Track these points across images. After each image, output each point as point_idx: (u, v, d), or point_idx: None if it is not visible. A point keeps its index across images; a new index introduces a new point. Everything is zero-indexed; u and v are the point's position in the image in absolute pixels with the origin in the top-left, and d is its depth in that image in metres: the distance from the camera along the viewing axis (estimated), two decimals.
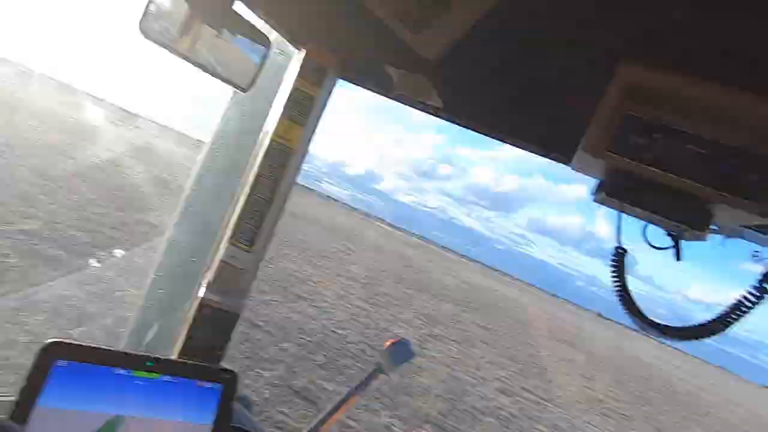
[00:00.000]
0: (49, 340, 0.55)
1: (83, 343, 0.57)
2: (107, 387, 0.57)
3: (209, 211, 0.93)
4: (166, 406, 0.59)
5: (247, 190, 0.78)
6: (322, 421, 0.85)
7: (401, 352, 0.92)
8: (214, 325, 0.75)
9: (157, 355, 0.63)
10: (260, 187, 0.78)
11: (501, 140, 0.72)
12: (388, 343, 0.91)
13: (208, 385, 0.62)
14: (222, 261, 0.77)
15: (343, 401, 0.86)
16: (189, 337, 0.75)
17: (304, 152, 0.81)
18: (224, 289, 0.77)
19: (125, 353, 0.60)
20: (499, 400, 5.29)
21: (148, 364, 0.60)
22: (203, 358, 0.72)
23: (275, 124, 0.78)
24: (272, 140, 0.78)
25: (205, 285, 0.77)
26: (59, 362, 0.55)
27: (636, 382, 11.58)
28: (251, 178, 0.78)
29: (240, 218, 0.78)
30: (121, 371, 0.58)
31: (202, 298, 0.75)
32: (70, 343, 0.56)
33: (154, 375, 0.60)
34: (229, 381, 0.63)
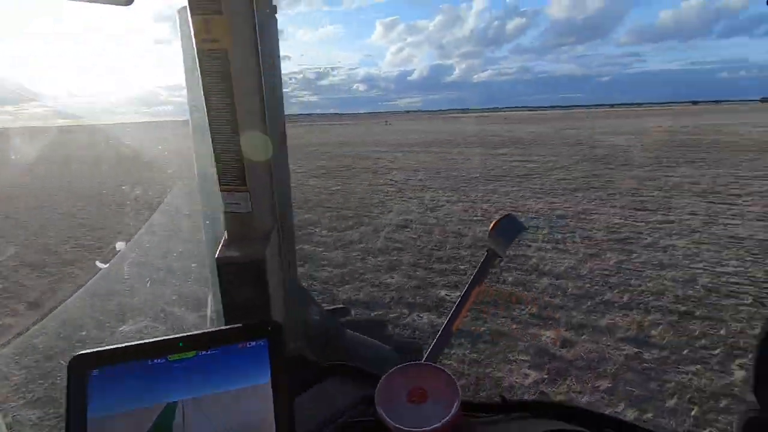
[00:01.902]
0: (72, 356, 0.56)
1: (105, 348, 0.57)
2: (148, 380, 0.57)
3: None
4: (217, 379, 0.58)
5: (206, 125, 0.68)
6: (451, 322, 0.82)
7: (510, 228, 0.86)
8: (243, 281, 0.70)
9: (187, 333, 0.60)
10: (217, 116, 0.65)
11: None
12: (493, 224, 0.86)
13: (253, 343, 0.59)
14: (224, 212, 0.72)
15: (466, 298, 0.83)
16: (226, 301, 0.71)
17: (253, 48, 0.64)
18: (239, 241, 0.71)
19: (152, 342, 0.59)
20: None
21: (180, 345, 0.58)
22: (249, 317, 0.69)
23: (191, 25, 0.62)
24: (199, 48, 0.62)
25: (221, 243, 0.72)
26: (92, 372, 0.55)
27: None
28: (204, 111, 0.66)
29: (216, 161, 0.69)
30: (158, 361, 0.57)
31: (217, 258, 0.69)
32: (93, 352, 0.57)
33: (190, 354, 0.58)
34: (272, 333, 0.60)
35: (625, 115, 57.48)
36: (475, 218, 7.28)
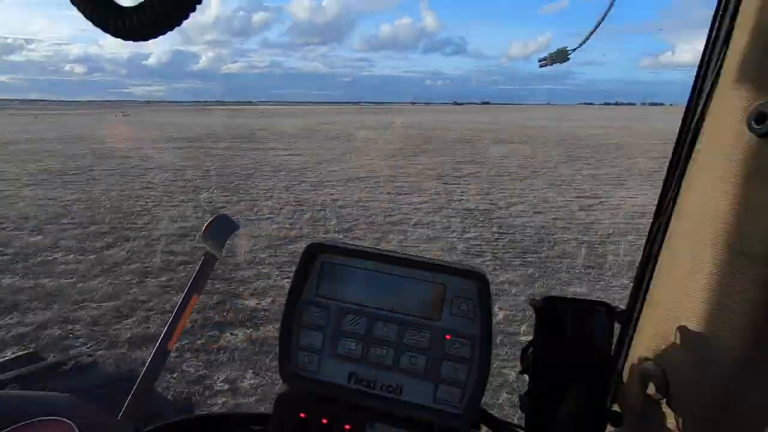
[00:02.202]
0: None
1: None
2: None
3: None
4: None
5: None
6: (169, 335, 0.75)
7: (222, 228, 0.86)
8: None
9: None
10: None
11: None
12: (205, 226, 0.83)
13: None
14: None
15: (184, 307, 0.77)
16: None
17: None
18: None
19: None
20: None
21: None
22: None
23: None
24: None
25: None
26: None
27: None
28: None
29: None
30: None
31: None
32: None
33: None
34: None
35: (366, 112, 66.41)
36: (263, 217, 7.02)
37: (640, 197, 8.45)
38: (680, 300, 0.46)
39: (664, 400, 0.48)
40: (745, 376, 0.43)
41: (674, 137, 0.51)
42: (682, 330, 0.46)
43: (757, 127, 0.37)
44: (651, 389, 0.49)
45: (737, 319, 0.42)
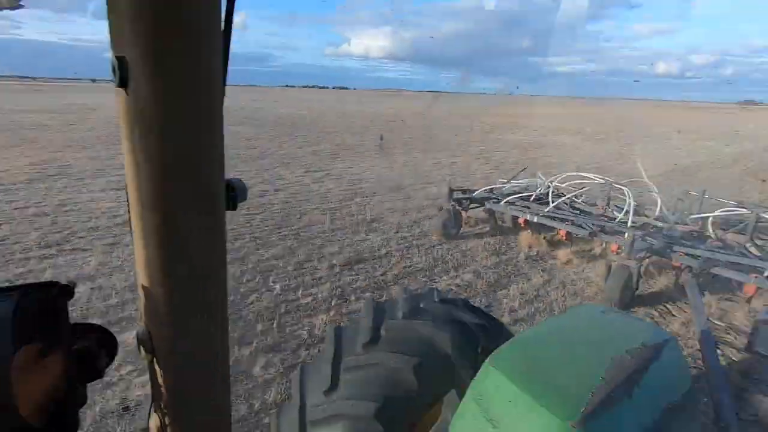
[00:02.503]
0: None
1: None
2: None
3: None
4: None
5: None
6: None
7: None
8: None
9: None
10: None
11: None
12: None
13: None
14: None
15: None
16: None
17: None
18: None
19: None
20: None
21: None
22: None
23: None
24: None
25: None
26: None
27: None
28: None
29: None
30: None
31: None
32: None
33: None
34: None
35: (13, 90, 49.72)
36: None
37: None
38: (137, 260, 0.44)
39: (154, 358, 0.47)
40: (179, 314, 0.44)
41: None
42: (144, 289, 0.44)
43: (113, 79, 0.35)
44: (143, 351, 0.47)
45: (168, 265, 0.42)
